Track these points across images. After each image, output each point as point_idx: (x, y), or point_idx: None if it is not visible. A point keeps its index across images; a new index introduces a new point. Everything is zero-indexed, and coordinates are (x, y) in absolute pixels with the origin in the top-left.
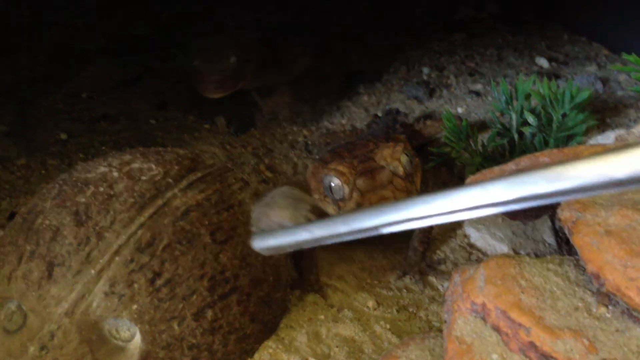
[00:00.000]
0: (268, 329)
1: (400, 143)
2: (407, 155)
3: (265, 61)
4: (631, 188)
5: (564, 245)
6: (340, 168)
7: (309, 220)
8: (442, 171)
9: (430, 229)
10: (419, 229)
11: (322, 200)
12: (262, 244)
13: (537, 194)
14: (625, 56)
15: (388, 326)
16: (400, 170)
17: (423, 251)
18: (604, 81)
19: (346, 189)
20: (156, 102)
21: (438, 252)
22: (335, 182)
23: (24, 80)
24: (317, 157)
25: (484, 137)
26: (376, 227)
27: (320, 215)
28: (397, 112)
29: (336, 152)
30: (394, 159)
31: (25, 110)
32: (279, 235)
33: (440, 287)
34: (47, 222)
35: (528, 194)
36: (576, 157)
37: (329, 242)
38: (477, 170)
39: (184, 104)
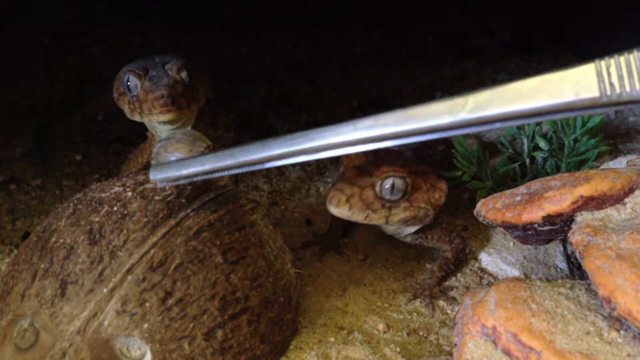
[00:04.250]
0: (278, 350)
1: (401, 170)
2: (394, 182)
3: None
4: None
5: (576, 271)
6: (351, 155)
7: (201, 154)
8: (453, 194)
9: (454, 258)
10: (442, 256)
11: (369, 214)
12: (159, 175)
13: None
14: None
15: (398, 349)
16: (376, 187)
17: (440, 277)
18: None
19: (340, 170)
20: None
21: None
22: (397, 181)
23: (42, 103)
24: (328, 179)
25: (495, 161)
26: (261, 161)
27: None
28: None
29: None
30: (381, 176)
31: (42, 132)
32: (173, 166)
33: (449, 311)
34: (61, 240)
35: (401, 130)
36: (585, 179)
37: (218, 174)
38: (488, 194)
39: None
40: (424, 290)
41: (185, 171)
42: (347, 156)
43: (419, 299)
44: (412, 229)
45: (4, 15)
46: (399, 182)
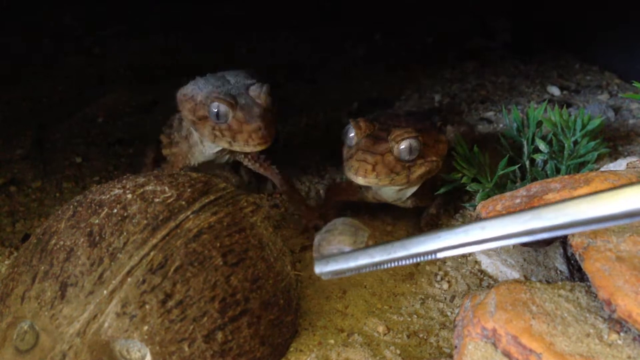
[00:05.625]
0: (278, 352)
1: (412, 130)
2: (410, 143)
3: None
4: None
5: (576, 273)
6: (361, 123)
7: (368, 246)
8: (453, 196)
9: (438, 213)
10: (428, 212)
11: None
12: (323, 268)
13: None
14: (636, 84)
15: (398, 352)
16: (394, 151)
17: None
18: (616, 109)
19: (354, 140)
20: None
21: (448, 277)
22: (351, 131)
23: (42, 105)
24: (325, 182)
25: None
26: (433, 251)
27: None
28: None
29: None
30: (396, 140)
31: (43, 134)
32: (339, 259)
33: (449, 313)
34: (61, 242)
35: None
36: (585, 181)
37: (388, 265)
38: (488, 196)
39: None
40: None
41: (353, 264)
42: (359, 126)
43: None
44: (414, 189)
45: (4, 15)
46: (414, 143)
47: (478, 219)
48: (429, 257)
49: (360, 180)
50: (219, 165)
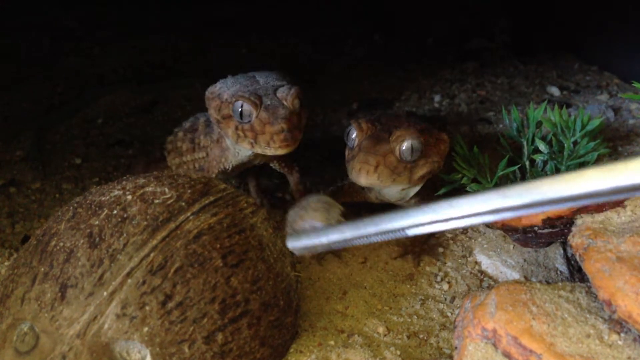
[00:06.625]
0: (278, 353)
1: (414, 131)
2: (412, 143)
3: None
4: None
5: (576, 273)
6: (362, 124)
7: (339, 222)
8: (453, 197)
9: None
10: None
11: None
12: (295, 244)
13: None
14: (636, 84)
15: (398, 352)
16: (396, 152)
17: (429, 233)
18: (615, 110)
19: (356, 141)
20: (171, 128)
21: (448, 278)
22: (352, 132)
23: (42, 106)
24: (325, 183)
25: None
26: (402, 228)
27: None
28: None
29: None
30: (398, 141)
31: (42, 135)
32: (311, 235)
33: (450, 314)
34: (61, 244)
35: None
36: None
37: (358, 242)
38: None
39: None
40: (414, 246)
41: (325, 239)
42: (360, 127)
43: (409, 255)
44: (416, 189)
45: (4, 15)
46: (415, 143)
47: (449, 198)
48: (399, 234)
49: (362, 182)
50: (252, 168)
